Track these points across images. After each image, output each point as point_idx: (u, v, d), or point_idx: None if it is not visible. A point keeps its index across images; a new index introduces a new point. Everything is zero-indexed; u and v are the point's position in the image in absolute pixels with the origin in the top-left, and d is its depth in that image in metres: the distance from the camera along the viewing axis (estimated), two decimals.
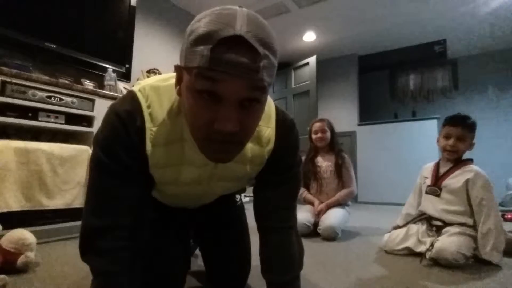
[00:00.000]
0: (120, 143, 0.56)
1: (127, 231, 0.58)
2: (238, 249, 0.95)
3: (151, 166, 0.60)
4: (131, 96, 0.58)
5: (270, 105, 0.66)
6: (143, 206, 0.62)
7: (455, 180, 1.36)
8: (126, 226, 0.58)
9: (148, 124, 0.56)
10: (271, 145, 0.67)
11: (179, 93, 0.53)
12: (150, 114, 0.57)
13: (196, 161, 0.62)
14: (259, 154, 0.66)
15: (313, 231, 1.88)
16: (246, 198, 0.97)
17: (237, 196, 1.04)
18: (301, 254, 0.76)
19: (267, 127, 0.65)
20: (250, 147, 0.64)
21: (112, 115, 0.56)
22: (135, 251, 0.60)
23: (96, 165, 0.57)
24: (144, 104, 0.57)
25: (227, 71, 0.43)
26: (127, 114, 0.55)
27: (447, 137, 1.38)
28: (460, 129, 1.35)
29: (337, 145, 2.11)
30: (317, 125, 2.10)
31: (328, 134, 2.08)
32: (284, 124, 0.68)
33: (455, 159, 1.40)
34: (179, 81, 0.53)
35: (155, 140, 0.57)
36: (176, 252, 0.87)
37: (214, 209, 0.92)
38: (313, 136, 2.11)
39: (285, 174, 0.72)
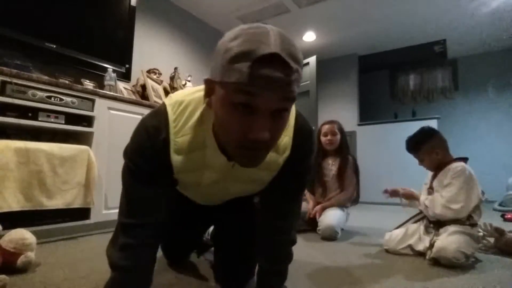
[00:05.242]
0: (145, 155, 0.64)
1: (151, 229, 0.67)
2: (248, 247, 0.96)
3: (176, 172, 0.68)
4: (161, 112, 0.65)
5: (291, 113, 0.69)
6: (166, 207, 0.70)
7: (443, 172, 1.41)
8: (150, 224, 0.66)
9: (172, 136, 0.63)
10: (287, 153, 0.70)
11: (209, 104, 0.59)
12: (175, 127, 0.64)
13: (216, 165, 0.68)
14: (275, 160, 0.70)
15: (309, 230, 1.90)
16: None
17: (256, 199, 1.05)
18: (292, 247, 0.84)
19: (285, 136, 0.68)
20: (268, 155, 0.68)
21: (141, 130, 0.65)
22: (154, 249, 0.70)
23: (125, 173, 0.67)
24: (171, 118, 0.64)
25: (264, 86, 0.47)
26: (154, 129, 0.63)
27: None
28: (413, 155, 1.50)
29: (345, 149, 2.05)
30: (326, 127, 2.03)
31: (338, 137, 2.02)
32: (301, 133, 0.71)
33: (438, 167, 1.45)
34: (208, 93, 0.57)
35: (178, 149, 0.64)
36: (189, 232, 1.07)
37: (232, 209, 0.97)
38: (322, 139, 2.05)
39: (295, 180, 0.76)
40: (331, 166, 2.04)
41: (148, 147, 0.63)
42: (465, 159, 1.42)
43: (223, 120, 0.54)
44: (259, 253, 0.82)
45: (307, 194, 2.07)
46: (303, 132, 0.71)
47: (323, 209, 1.92)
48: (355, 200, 2.07)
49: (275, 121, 0.52)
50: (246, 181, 0.75)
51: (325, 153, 2.07)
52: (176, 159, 0.65)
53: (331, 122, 2.07)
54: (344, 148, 2.04)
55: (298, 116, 0.72)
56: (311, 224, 1.93)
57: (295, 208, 0.81)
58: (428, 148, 1.43)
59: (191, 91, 0.68)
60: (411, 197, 1.51)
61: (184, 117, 0.64)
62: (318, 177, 2.04)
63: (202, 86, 0.62)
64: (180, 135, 0.63)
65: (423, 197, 1.42)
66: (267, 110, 0.50)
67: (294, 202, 0.80)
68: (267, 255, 0.80)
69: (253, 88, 0.47)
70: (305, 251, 1.47)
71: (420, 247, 1.36)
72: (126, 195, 0.68)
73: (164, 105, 0.67)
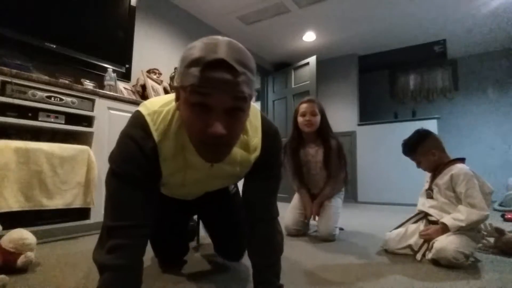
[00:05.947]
0: (135, 162, 0.67)
1: (139, 230, 0.68)
2: (232, 223, 1.13)
3: (164, 175, 0.74)
4: (142, 123, 0.69)
5: (257, 117, 0.79)
6: (152, 208, 0.72)
7: (442, 175, 1.40)
8: (138, 226, 0.68)
9: (158, 144, 0.69)
10: (257, 152, 0.79)
11: (178, 107, 0.66)
12: (158, 136, 0.69)
13: (197, 164, 0.74)
14: (246, 158, 0.79)
15: (308, 231, 1.90)
16: None
17: (231, 187, 1.18)
18: (281, 241, 0.88)
19: (255, 137, 0.78)
20: (240, 153, 0.77)
21: (127, 140, 0.68)
22: (141, 249, 0.70)
23: (111, 178, 0.69)
24: (153, 128, 0.69)
25: (214, 87, 0.55)
26: (142, 139, 0.68)
27: None
28: (410, 157, 1.53)
29: (327, 132, 1.80)
30: (305, 106, 1.76)
31: (318, 118, 1.76)
32: (269, 134, 0.80)
33: (436, 169, 1.44)
34: (177, 98, 0.65)
35: (165, 155, 0.70)
36: (178, 226, 1.14)
37: (212, 198, 1.04)
38: (300, 119, 1.76)
39: (268, 174, 0.84)
40: (315, 157, 1.80)
41: (139, 156, 0.67)
42: (462, 160, 1.41)
43: (187, 119, 0.61)
44: (249, 249, 0.87)
45: (301, 193, 1.89)
46: (270, 133, 0.81)
47: (319, 205, 1.82)
48: (344, 182, 1.88)
49: (231, 119, 0.59)
50: (224, 177, 0.83)
51: (304, 139, 1.80)
52: (164, 164, 0.71)
53: (310, 100, 1.79)
54: (325, 132, 1.78)
55: (263, 119, 0.81)
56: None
57: (273, 199, 0.88)
58: (424, 150, 1.44)
59: (167, 101, 0.73)
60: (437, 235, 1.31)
61: (165, 127, 0.69)
62: (299, 170, 1.81)
63: (174, 95, 0.69)
64: (163, 143, 0.69)
65: (451, 223, 1.25)
66: (220, 108, 0.57)
67: (271, 194, 0.87)
68: (256, 249, 0.84)
69: (205, 89, 0.55)
70: (304, 250, 1.47)
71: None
72: (112, 199, 0.70)
73: (141, 115, 0.70)
